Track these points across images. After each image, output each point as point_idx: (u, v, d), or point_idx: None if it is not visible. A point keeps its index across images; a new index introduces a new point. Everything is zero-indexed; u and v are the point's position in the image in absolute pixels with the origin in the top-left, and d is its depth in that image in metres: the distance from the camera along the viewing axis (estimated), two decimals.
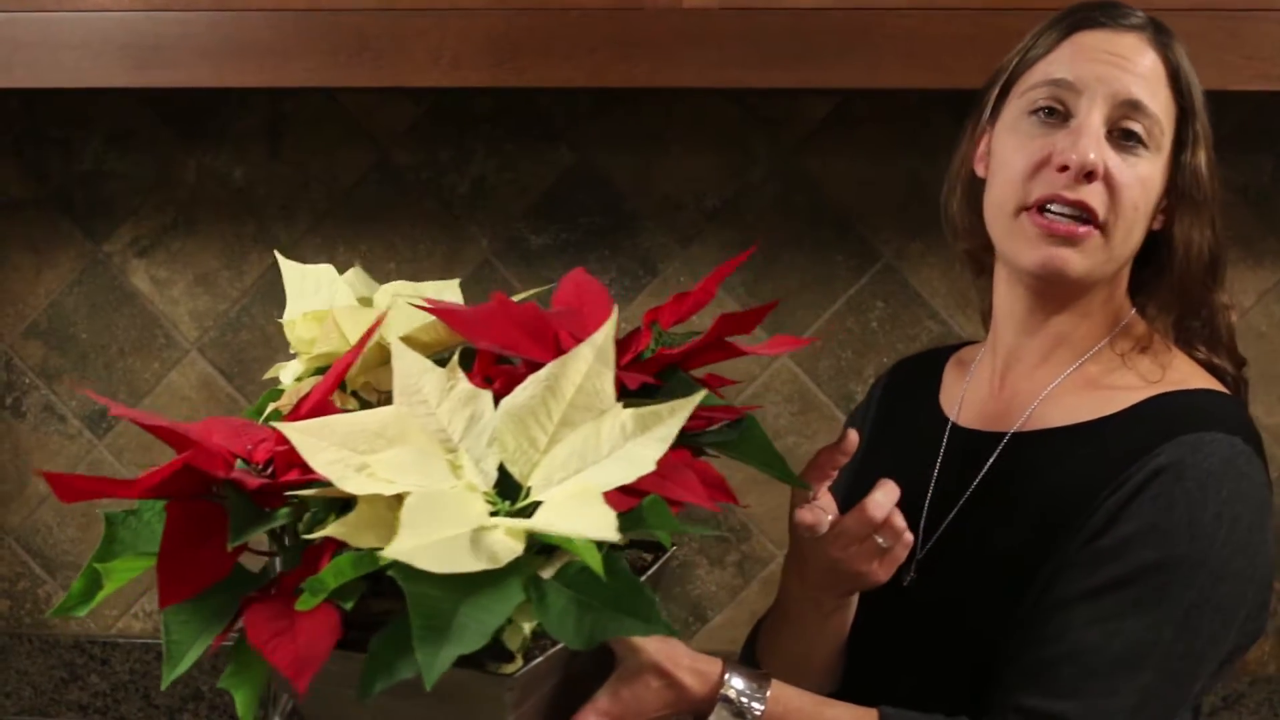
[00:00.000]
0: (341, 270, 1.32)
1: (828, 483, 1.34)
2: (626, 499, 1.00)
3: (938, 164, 1.53)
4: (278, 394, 1.26)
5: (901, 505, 1.31)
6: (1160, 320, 1.42)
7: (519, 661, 1.02)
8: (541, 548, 0.99)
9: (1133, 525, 1.27)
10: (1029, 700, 1.26)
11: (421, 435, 1.03)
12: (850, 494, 1.34)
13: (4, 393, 2.29)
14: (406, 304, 1.19)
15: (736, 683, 1.25)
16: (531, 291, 1.39)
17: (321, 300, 1.29)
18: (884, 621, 1.42)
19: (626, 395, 1.08)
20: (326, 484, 0.99)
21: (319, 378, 1.19)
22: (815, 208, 2.17)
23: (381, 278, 1.34)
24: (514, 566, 0.94)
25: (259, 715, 1.94)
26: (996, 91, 1.44)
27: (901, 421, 1.59)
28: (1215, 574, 1.26)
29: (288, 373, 1.29)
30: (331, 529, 0.96)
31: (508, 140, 2.19)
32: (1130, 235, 1.36)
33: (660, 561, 1.23)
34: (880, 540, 1.30)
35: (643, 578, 1.18)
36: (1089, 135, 1.33)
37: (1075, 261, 1.34)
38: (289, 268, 1.32)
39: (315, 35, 1.91)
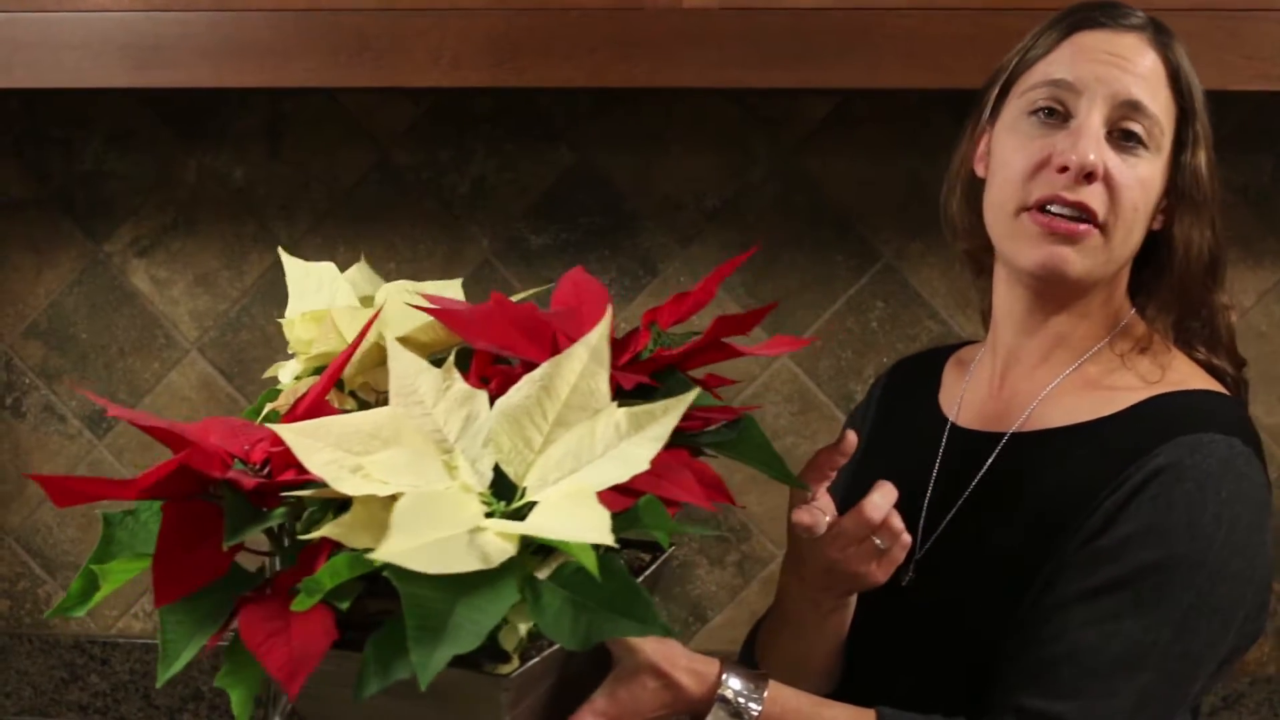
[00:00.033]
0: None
1: (826, 483, 1.34)
2: (622, 499, 1.00)
3: (938, 164, 1.53)
4: (275, 394, 1.26)
5: (900, 506, 1.31)
6: (1160, 321, 1.42)
7: (515, 662, 1.02)
8: (538, 548, 0.99)
9: (1131, 526, 1.27)
10: (1027, 701, 1.26)
11: (417, 436, 1.02)
12: (849, 494, 1.34)
13: (4, 393, 2.29)
14: (404, 304, 1.19)
15: (734, 683, 1.25)
16: (530, 291, 1.39)
17: (323, 298, 1.29)
18: (882, 622, 1.42)
19: (623, 395, 1.08)
20: (322, 484, 0.99)
21: (316, 378, 1.19)
22: (815, 208, 2.17)
23: (382, 278, 1.34)
24: (509, 567, 0.94)
25: (259, 715, 1.95)
26: (996, 91, 1.44)
27: (901, 421, 1.59)
28: (1214, 575, 1.26)
29: (286, 372, 1.29)
30: (327, 529, 0.96)
31: (508, 140, 2.19)
32: (1130, 236, 1.35)
33: (658, 562, 1.23)
34: (878, 541, 1.30)
35: (641, 578, 1.18)
36: (1089, 136, 1.32)
37: (1075, 261, 1.34)
38: (292, 264, 1.32)
39: (315, 35, 1.91)
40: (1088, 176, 1.32)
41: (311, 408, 1.11)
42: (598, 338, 1.04)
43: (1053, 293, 1.40)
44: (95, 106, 2.22)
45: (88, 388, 2.25)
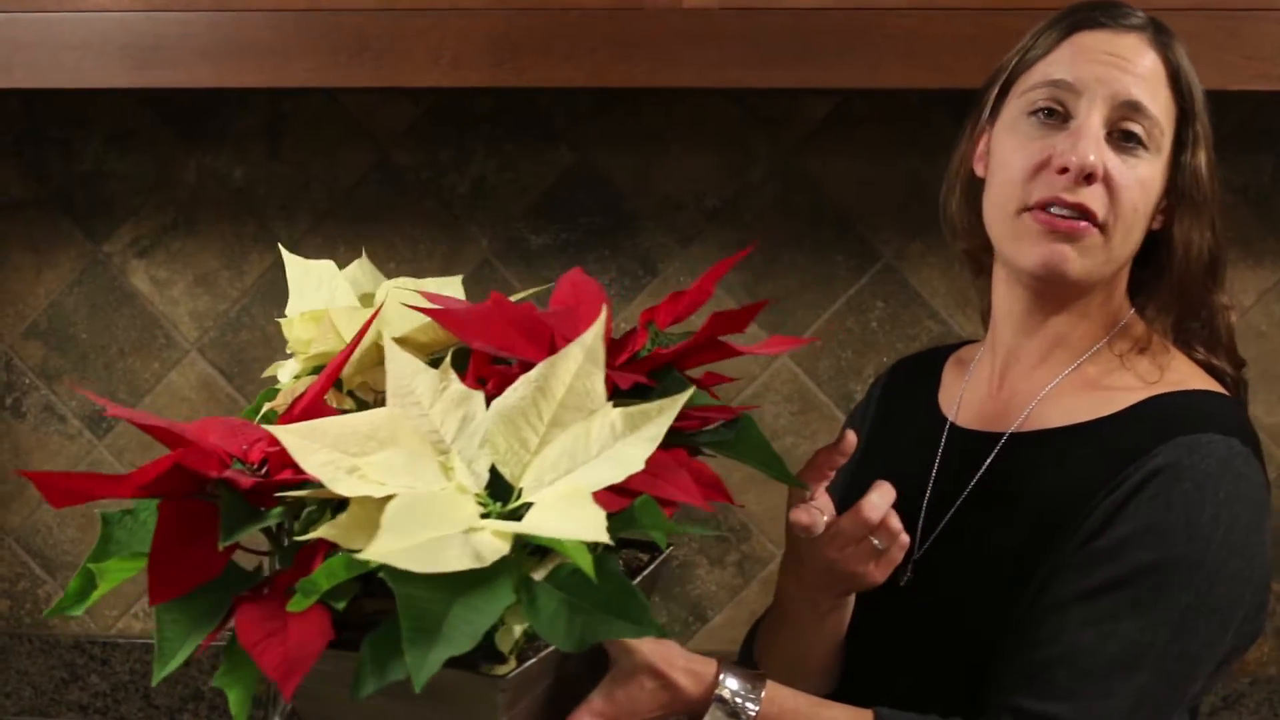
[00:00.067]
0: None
1: (825, 483, 1.34)
2: (618, 499, 0.99)
3: (938, 164, 1.53)
4: (274, 393, 1.26)
5: (899, 505, 1.31)
6: (1159, 321, 1.42)
7: (512, 663, 1.02)
8: (534, 549, 0.99)
9: (1129, 526, 1.27)
10: (1024, 701, 1.26)
11: (413, 437, 1.02)
12: (848, 494, 1.34)
13: (4, 393, 2.29)
14: (403, 304, 1.19)
15: (731, 683, 1.25)
16: (529, 291, 1.39)
17: (323, 296, 1.29)
18: (881, 622, 1.42)
19: (620, 395, 1.08)
20: (319, 485, 0.99)
21: (315, 377, 1.19)
22: (815, 208, 2.17)
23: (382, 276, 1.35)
24: (504, 568, 0.94)
25: (259, 715, 1.95)
26: (996, 91, 1.44)
27: (900, 421, 1.59)
28: (1212, 575, 1.26)
29: (285, 371, 1.29)
30: (322, 530, 0.96)
31: (508, 140, 2.19)
32: (1129, 236, 1.35)
33: (656, 562, 1.23)
34: (876, 541, 1.30)
35: (639, 578, 1.18)
36: (1088, 137, 1.32)
37: (1075, 260, 1.34)
38: (292, 262, 1.32)
39: (315, 35, 1.91)
40: (1087, 178, 1.32)
41: (309, 408, 1.11)
42: (593, 338, 1.04)
43: (1052, 293, 1.40)
44: (95, 106, 2.22)
45: (88, 388, 2.25)
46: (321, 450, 0.99)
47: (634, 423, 1.01)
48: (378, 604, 0.99)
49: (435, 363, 1.09)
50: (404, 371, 1.06)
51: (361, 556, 0.92)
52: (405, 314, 1.18)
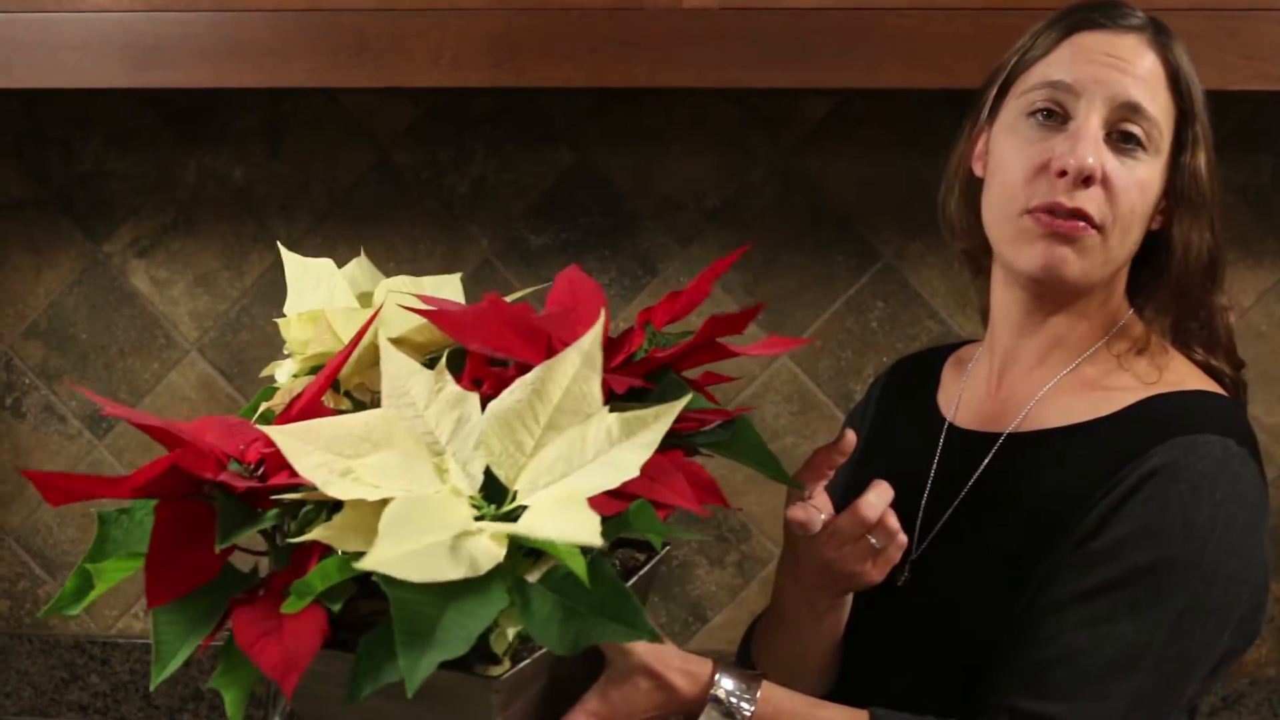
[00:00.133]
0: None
1: (824, 482, 1.34)
2: (613, 503, 1.00)
3: (938, 164, 1.53)
4: (271, 393, 1.26)
5: (897, 505, 1.31)
6: (1158, 322, 1.42)
7: (506, 664, 1.02)
8: (528, 551, 0.99)
9: (1126, 527, 1.27)
10: (1021, 702, 1.26)
11: (408, 439, 1.02)
12: (848, 494, 1.34)
13: (4, 393, 2.29)
14: (400, 305, 1.19)
15: (727, 683, 1.25)
16: (526, 290, 1.39)
17: (321, 295, 1.29)
18: (878, 622, 1.42)
19: (617, 397, 1.08)
20: (314, 487, 0.99)
21: (312, 377, 1.19)
22: (815, 208, 2.17)
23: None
24: (498, 572, 0.94)
25: (259, 715, 1.95)
26: (995, 91, 1.43)
27: (899, 421, 1.59)
28: (1209, 576, 1.26)
29: (283, 371, 1.29)
30: (316, 533, 0.96)
31: (508, 140, 2.19)
32: (1126, 237, 1.35)
33: (652, 563, 1.22)
34: (873, 541, 1.30)
35: (634, 578, 1.17)
36: (1087, 139, 1.32)
37: (1074, 262, 1.34)
38: (291, 260, 1.32)
39: (315, 35, 1.91)
40: (1086, 180, 1.31)
41: (306, 408, 1.11)
42: (590, 342, 1.04)
43: (1050, 294, 1.39)
44: (95, 106, 2.22)
45: (88, 388, 2.25)
46: (316, 452, 0.99)
47: (630, 428, 1.01)
48: (375, 605, 0.99)
49: (433, 363, 1.09)
50: (399, 372, 1.06)
51: (360, 565, 0.92)
52: (402, 314, 1.18)
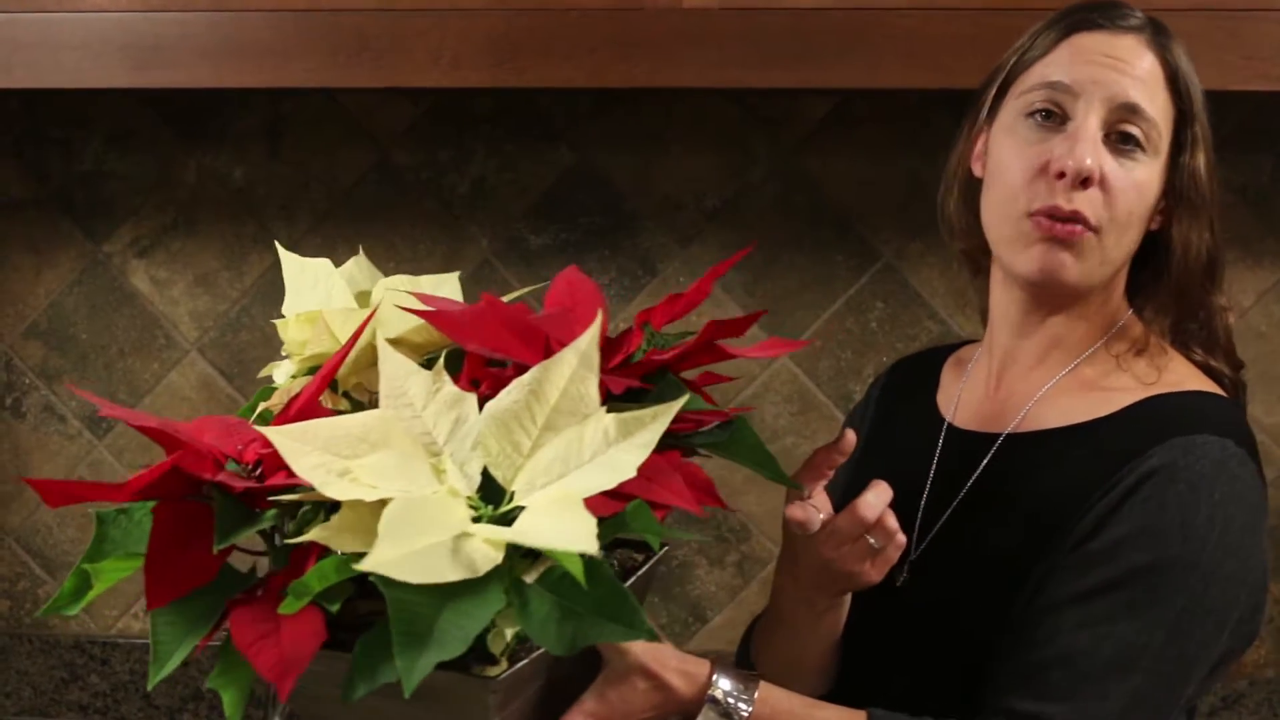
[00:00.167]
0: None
1: (823, 482, 1.34)
2: (610, 503, 1.00)
3: (938, 164, 1.53)
4: (270, 393, 1.26)
5: (897, 506, 1.31)
6: (1157, 322, 1.42)
7: (503, 664, 1.02)
8: (526, 551, 0.98)
9: (1124, 528, 1.27)
10: (1019, 703, 1.26)
11: (405, 439, 1.02)
12: (847, 494, 1.34)
13: (4, 393, 2.29)
14: (398, 305, 1.19)
15: (724, 684, 1.25)
16: (524, 290, 1.39)
17: (319, 295, 1.29)
18: (877, 622, 1.42)
19: (615, 398, 1.08)
20: (311, 487, 0.99)
21: (310, 378, 1.19)
22: (815, 208, 2.17)
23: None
24: (495, 572, 0.94)
25: (259, 715, 1.95)
26: (994, 91, 1.43)
27: (899, 421, 1.59)
28: (1207, 577, 1.25)
29: (281, 371, 1.29)
30: (313, 533, 0.96)
31: (508, 140, 2.19)
32: (1122, 239, 1.35)
33: (650, 563, 1.22)
34: (872, 541, 1.30)
35: (632, 579, 1.18)
36: (1085, 140, 1.32)
37: (1071, 267, 1.34)
38: (288, 260, 1.32)
39: (315, 35, 1.91)
40: (1084, 182, 1.31)
41: (304, 409, 1.10)
42: (587, 343, 1.04)
43: (1049, 295, 1.39)
44: (95, 106, 2.22)
45: (88, 388, 2.25)
46: (313, 452, 0.99)
47: (627, 429, 1.01)
48: (372, 605, 0.98)
49: (431, 363, 1.09)
50: (397, 373, 1.06)
51: (359, 567, 0.92)
52: (400, 314, 1.18)
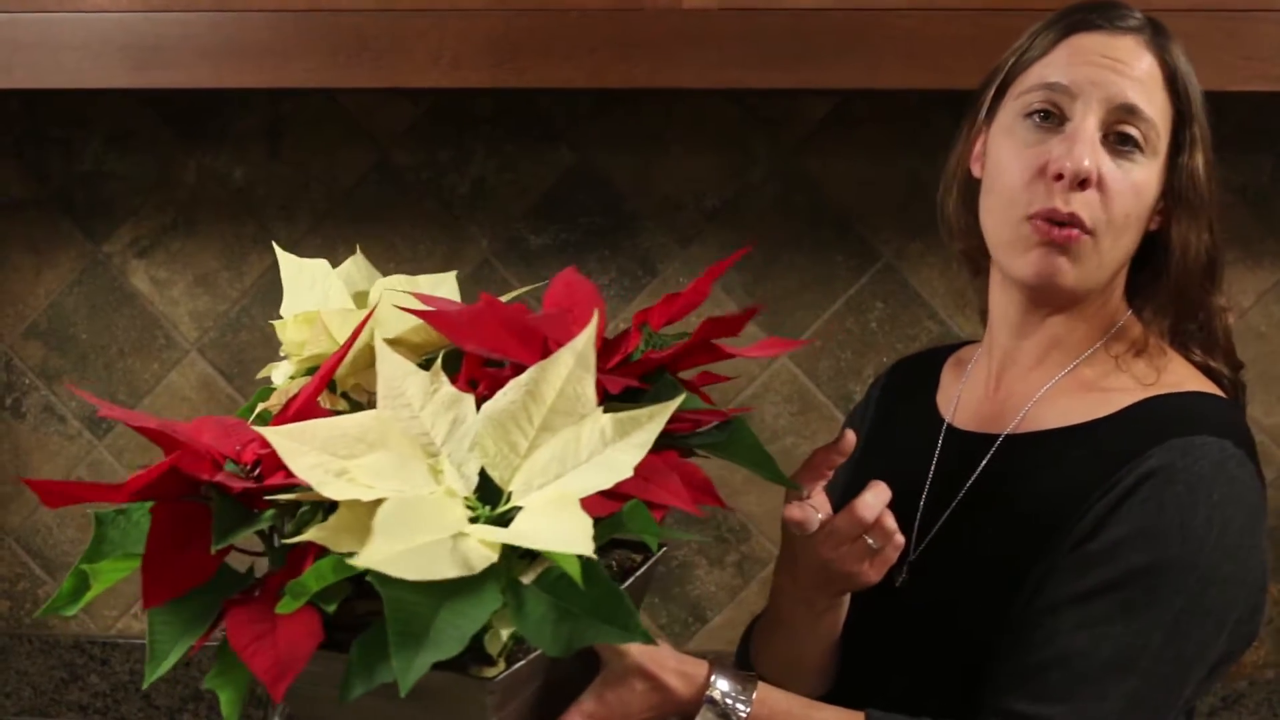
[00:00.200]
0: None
1: (823, 482, 1.33)
2: (608, 503, 1.00)
3: (937, 164, 1.53)
4: (268, 393, 1.26)
5: (896, 506, 1.30)
6: (1157, 323, 1.42)
7: (500, 665, 1.02)
8: (523, 552, 0.98)
9: (1123, 529, 1.27)
10: (1018, 704, 1.26)
11: (403, 440, 1.02)
12: (847, 494, 1.33)
13: (4, 393, 2.29)
14: (396, 306, 1.19)
15: (722, 684, 1.25)
16: (521, 290, 1.39)
17: (317, 295, 1.29)
18: (876, 622, 1.42)
19: (612, 398, 1.08)
20: (309, 488, 0.99)
21: (308, 378, 1.19)
22: (815, 208, 2.17)
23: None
24: (492, 573, 0.94)
25: (259, 715, 1.95)
26: (992, 92, 1.43)
27: (898, 422, 1.59)
28: (1205, 578, 1.25)
29: (280, 372, 1.29)
30: (311, 533, 0.96)
31: (508, 140, 2.20)
32: (1119, 240, 1.35)
33: (649, 563, 1.22)
34: (871, 541, 1.30)
35: (630, 579, 1.17)
36: (1084, 141, 1.32)
37: (1068, 271, 1.34)
38: (286, 260, 1.32)
39: (315, 35, 1.91)
40: (1082, 183, 1.31)
41: (302, 409, 1.10)
42: (584, 343, 1.04)
43: (1047, 297, 1.39)
44: (95, 107, 2.23)
45: (87, 388, 2.25)
46: (311, 452, 0.99)
47: (624, 429, 1.01)
48: (369, 605, 0.98)
49: (429, 364, 1.09)
50: (395, 373, 1.06)
51: (355, 562, 0.92)
52: (399, 314, 1.18)
